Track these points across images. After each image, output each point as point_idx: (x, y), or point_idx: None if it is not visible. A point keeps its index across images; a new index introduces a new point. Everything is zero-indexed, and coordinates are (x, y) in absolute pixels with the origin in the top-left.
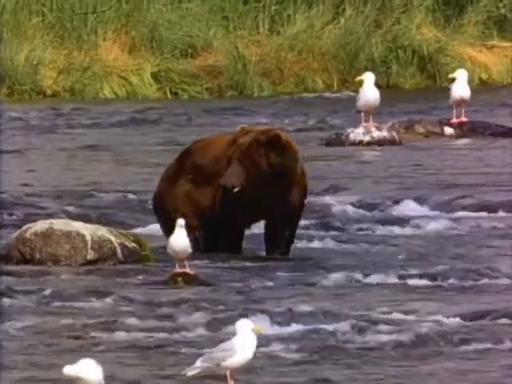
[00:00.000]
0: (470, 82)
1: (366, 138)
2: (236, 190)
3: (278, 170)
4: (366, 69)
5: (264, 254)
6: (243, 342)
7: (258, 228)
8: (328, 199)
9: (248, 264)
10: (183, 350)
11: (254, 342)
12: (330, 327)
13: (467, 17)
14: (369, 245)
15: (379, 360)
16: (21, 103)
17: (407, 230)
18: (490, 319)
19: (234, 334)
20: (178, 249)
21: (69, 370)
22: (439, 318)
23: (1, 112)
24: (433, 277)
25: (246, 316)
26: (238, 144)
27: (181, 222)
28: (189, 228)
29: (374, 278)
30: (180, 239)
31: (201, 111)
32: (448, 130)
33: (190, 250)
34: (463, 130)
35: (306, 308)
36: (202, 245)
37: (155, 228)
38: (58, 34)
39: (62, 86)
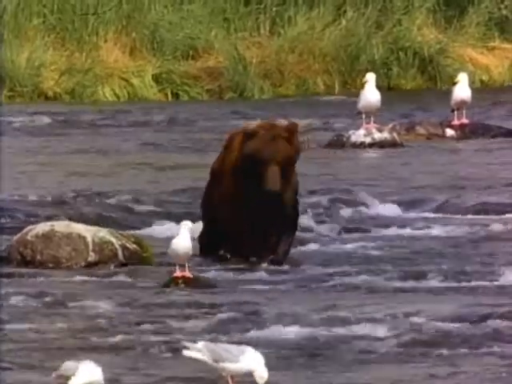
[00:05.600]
0: (471, 83)
1: (367, 140)
2: None
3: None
4: (367, 70)
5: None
6: (254, 356)
7: None
8: (328, 201)
9: (249, 267)
10: (183, 353)
11: (261, 360)
12: (332, 330)
13: (468, 18)
14: (369, 247)
15: (381, 362)
16: (22, 105)
17: (408, 232)
18: (491, 321)
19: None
20: (179, 252)
21: (68, 368)
22: (439, 319)
23: (1, 114)
24: (433, 278)
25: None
26: None
27: (186, 224)
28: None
29: (373, 280)
30: (182, 242)
31: (201, 113)
32: (449, 132)
33: (190, 252)
34: (464, 131)
35: (306, 311)
36: (205, 247)
37: (156, 230)
38: (59, 35)
39: (63, 87)
